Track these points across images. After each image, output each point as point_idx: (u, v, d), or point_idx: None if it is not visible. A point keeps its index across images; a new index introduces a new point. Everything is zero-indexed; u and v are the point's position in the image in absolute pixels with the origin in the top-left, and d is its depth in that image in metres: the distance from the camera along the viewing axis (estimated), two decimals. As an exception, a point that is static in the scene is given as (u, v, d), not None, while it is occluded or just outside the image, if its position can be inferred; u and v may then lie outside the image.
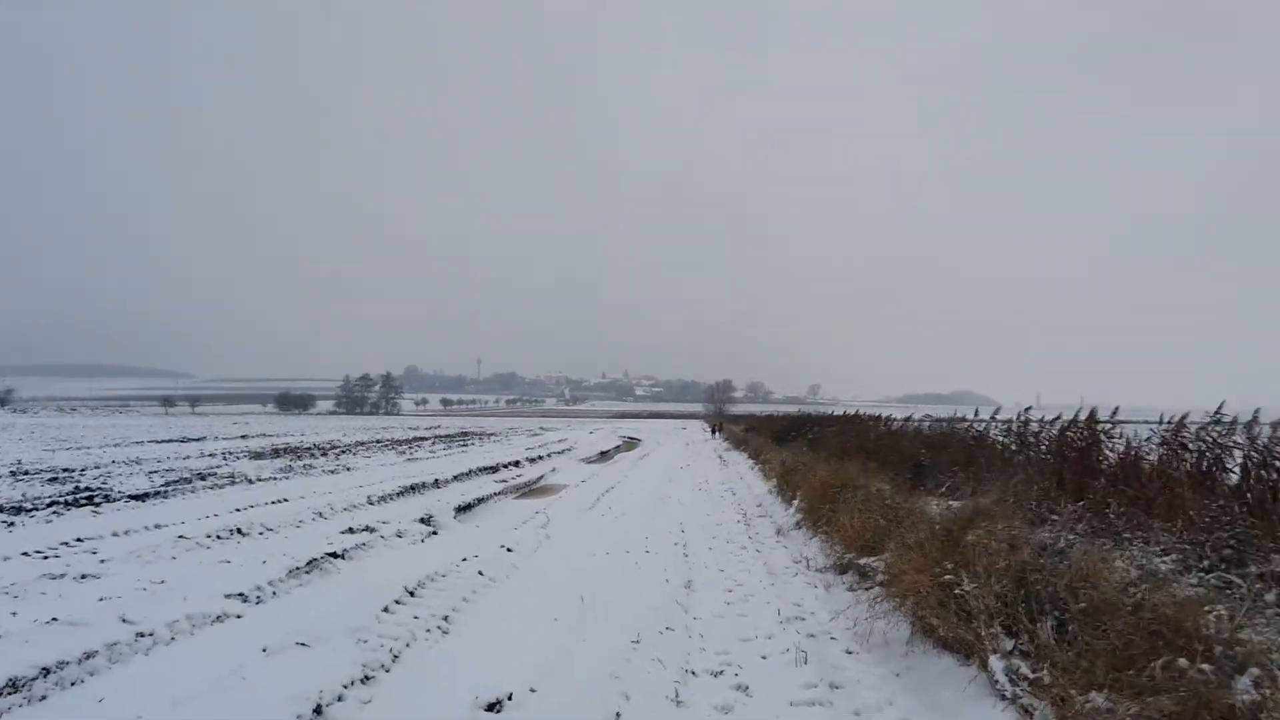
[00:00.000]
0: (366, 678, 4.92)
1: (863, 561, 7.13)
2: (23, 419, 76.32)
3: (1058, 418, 9.79)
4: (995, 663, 4.06)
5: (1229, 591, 4.69)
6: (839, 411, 28.96)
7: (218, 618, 6.28)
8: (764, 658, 5.43)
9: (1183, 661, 3.17)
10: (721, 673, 5.12)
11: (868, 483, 10.09)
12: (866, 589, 6.56)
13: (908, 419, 17.84)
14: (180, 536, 9.33)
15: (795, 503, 11.76)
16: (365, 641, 5.44)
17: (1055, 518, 6.86)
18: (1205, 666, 3.13)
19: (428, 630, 5.96)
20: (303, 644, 5.36)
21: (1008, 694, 3.89)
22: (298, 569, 7.75)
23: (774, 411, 62.28)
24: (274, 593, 7.11)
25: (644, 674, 4.93)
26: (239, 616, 6.40)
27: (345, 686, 4.70)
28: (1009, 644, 4.15)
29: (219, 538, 9.64)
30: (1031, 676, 3.81)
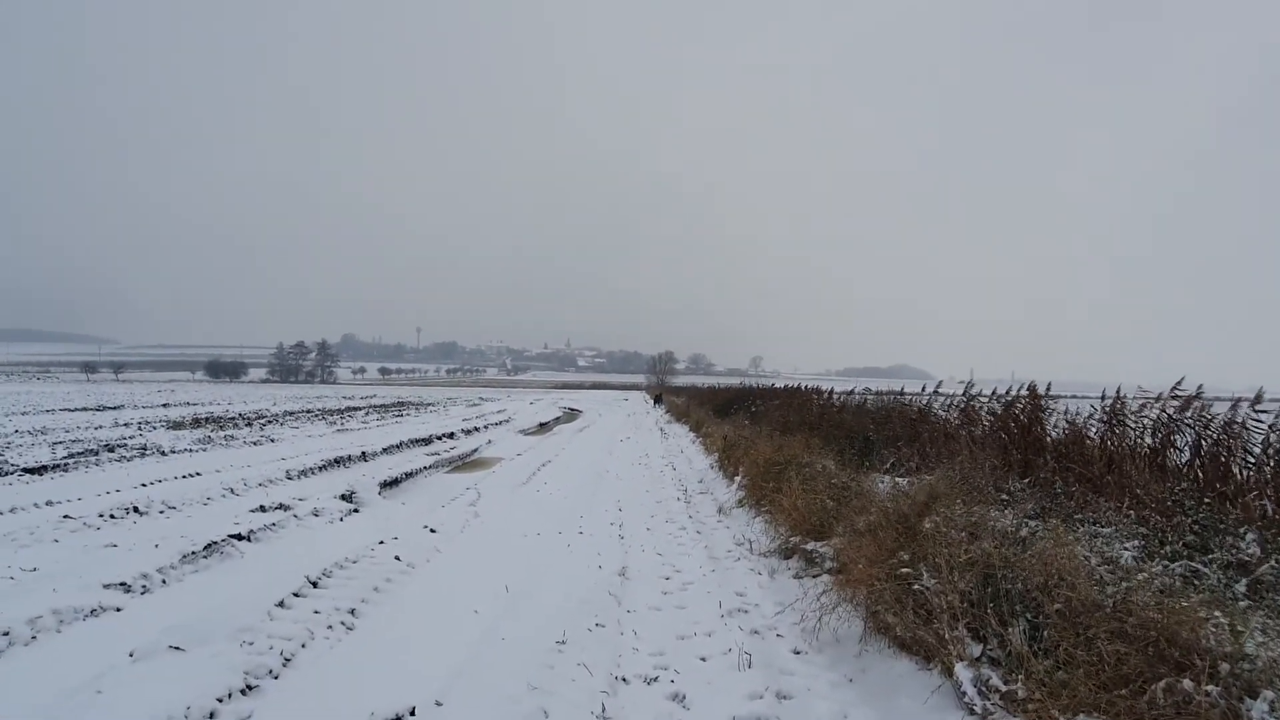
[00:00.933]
0: (248, 688, 4.26)
1: (809, 546, 6.69)
2: (-77, 386, 71.77)
3: (1008, 391, 9.55)
4: (962, 671, 3.59)
5: (1197, 583, 4.35)
6: (780, 384, 28.70)
7: (92, 612, 5.59)
8: (703, 659, 4.89)
9: (1187, 684, 2.69)
10: (656, 679, 4.56)
11: (812, 459, 9.72)
12: (814, 576, 6.12)
13: (849, 393, 17.63)
14: (65, 516, 8.43)
15: (738, 479, 11.33)
16: (252, 643, 4.76)
17: (1005, 496, 6.56)
18: (1211, 689, 2.67)
19: (329, 627, 5.28)
20: (176, 647, 4.65)
21: (977, 708, 3.41)
22: (194, 553, 7.02)
23: (716, 383, 62.31)
24: (163, 581, 6.40)
25: (568, 681, 4.35)
26: (118, 610, 5.71)
27: (220, 700, 4.04)
28: (976, 649, 3.70)
29: (112, 517, 8.75)
30: (1004, 689, 3.35)
